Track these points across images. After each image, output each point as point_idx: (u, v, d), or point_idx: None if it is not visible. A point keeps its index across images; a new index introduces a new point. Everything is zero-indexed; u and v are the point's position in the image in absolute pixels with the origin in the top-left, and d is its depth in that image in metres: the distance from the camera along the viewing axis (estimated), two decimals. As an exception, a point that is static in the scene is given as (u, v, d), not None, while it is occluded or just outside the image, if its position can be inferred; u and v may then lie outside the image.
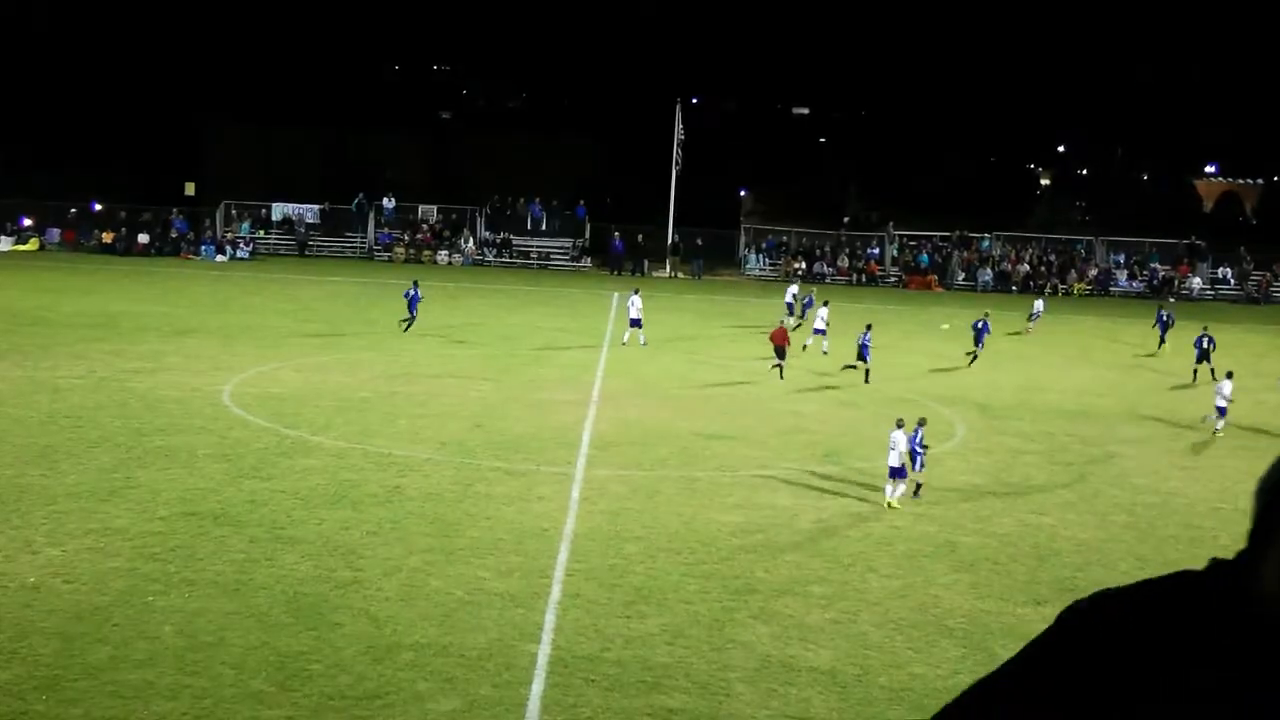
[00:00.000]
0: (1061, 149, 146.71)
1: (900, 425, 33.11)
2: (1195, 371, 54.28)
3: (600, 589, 25.54)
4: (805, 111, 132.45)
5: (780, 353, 50.87)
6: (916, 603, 25.80)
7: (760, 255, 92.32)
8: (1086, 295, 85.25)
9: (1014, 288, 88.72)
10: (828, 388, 49.05)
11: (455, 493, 31.84)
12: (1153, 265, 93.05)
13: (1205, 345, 54.58)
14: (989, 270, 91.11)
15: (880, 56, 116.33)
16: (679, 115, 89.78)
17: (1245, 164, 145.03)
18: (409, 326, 57.40)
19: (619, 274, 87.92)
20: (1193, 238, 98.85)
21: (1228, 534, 31.78)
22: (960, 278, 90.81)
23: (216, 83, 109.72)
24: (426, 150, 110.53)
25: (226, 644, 21.69)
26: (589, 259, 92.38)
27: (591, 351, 54.71)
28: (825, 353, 56.28)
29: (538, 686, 20.92)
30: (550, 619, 23.79)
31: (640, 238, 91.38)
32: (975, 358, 55.55)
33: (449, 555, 26.99)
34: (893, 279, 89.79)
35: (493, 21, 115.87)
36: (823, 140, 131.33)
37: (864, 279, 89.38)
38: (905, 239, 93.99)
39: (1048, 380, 52.96)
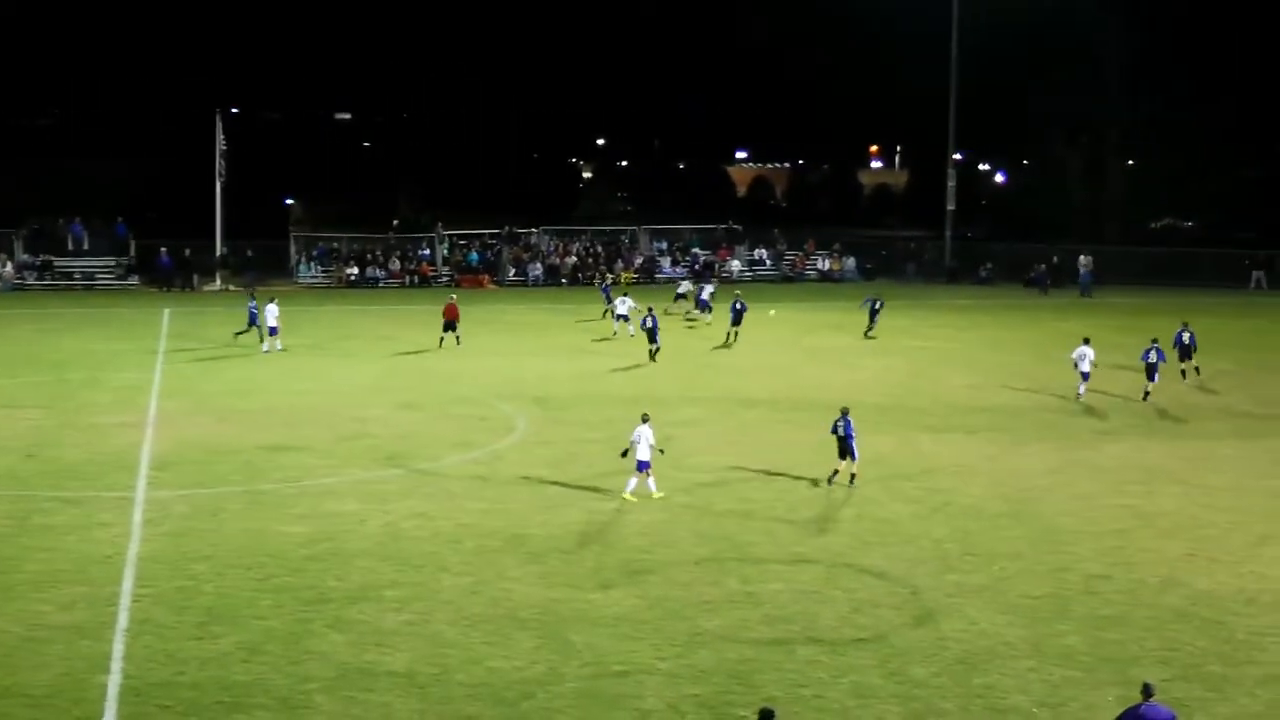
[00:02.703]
0: (601, 142, 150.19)
1: (645, 420, 33.72)
2: (1183, 371, 51.12)
3: (170, 612, 24.90)
4: (348, 117, 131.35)
5: (450, 326, 58.40)
6: (489, 597, 26.12)
7: (312, 263, 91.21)
8: (634, 283, 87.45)
9: (563, 280, 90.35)
10: (389, 389, 48.84)
11: (9, 527, 30.43)
12: (694, 251, 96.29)
13: (1186, 341, 51.39)
14: (539, 264, 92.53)
15: (418, 59, 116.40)
16: (219, 126, 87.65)
17: (772, 150, 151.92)
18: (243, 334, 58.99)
19: (168, 290, 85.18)
20: (730, 222, 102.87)
21: (784, 504, 33.36)
22: (512, 273, 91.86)
23: None
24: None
25: None
26: (136, 277, 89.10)
27: (145, 372, 52.76)
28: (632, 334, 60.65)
29: (110, 719, 20.29)
30: (119, 648, 23.09)
31: (188, 252, 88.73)
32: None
33: (6, 592, 25.84)
34: (445, 279, 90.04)
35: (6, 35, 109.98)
36: (367, 144, 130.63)
37: (417, 281, 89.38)
38: (455, 238, 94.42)
39: (604, 368, 54.08)
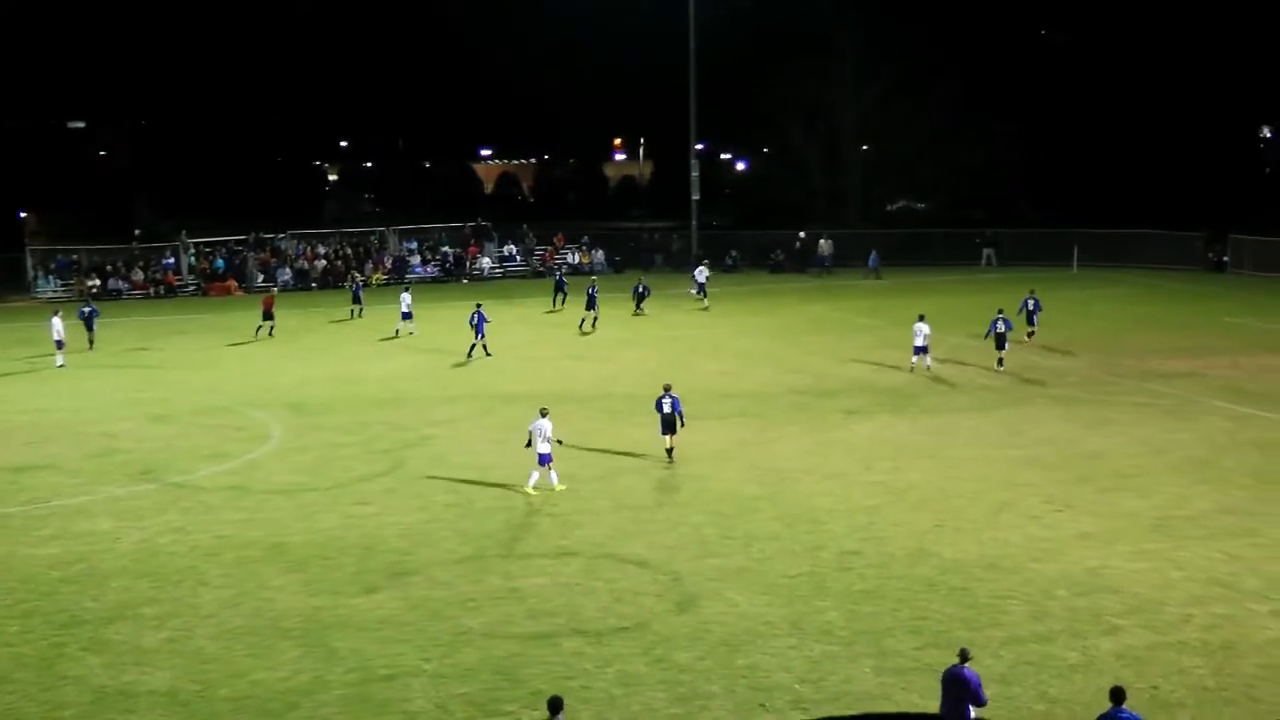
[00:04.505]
0: (345, 144, 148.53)
1: (544, 414, 33.87)
2: (1030, 334, 55.61)
3: (-98, 648, 23.96)
4: (81, 125, 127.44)
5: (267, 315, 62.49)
6: (251, 609, 25.79)
7: (51, 277, 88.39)
8: (384, 285, 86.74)
9: (314, 284, 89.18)
10: (139, 402, 47.56)
11: None
12: (444, 249, 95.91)
13: (1031, 306, 56.06)
14: (287, 268, 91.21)
15: (152, 64, 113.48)
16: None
17: (516, 146, 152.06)
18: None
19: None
20: (478, 219, 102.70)
21: (544, 498, 33.48)
22: (260, 279, 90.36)
23: None
24: None
25: None
26: None
27: None
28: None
29: None
30: None
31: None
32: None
33: None
34: (191, 287, 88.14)
35: None
36: (104, 153, 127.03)
37: (163, 290, 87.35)
38: (201, 246, 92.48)
39: (359, 371, 53.48)
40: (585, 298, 64.64)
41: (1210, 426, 40.86)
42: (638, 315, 67.54)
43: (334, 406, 46.26)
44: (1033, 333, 55.89)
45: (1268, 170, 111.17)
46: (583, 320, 64.09)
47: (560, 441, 34.40)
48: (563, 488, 33.98)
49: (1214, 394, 45.85)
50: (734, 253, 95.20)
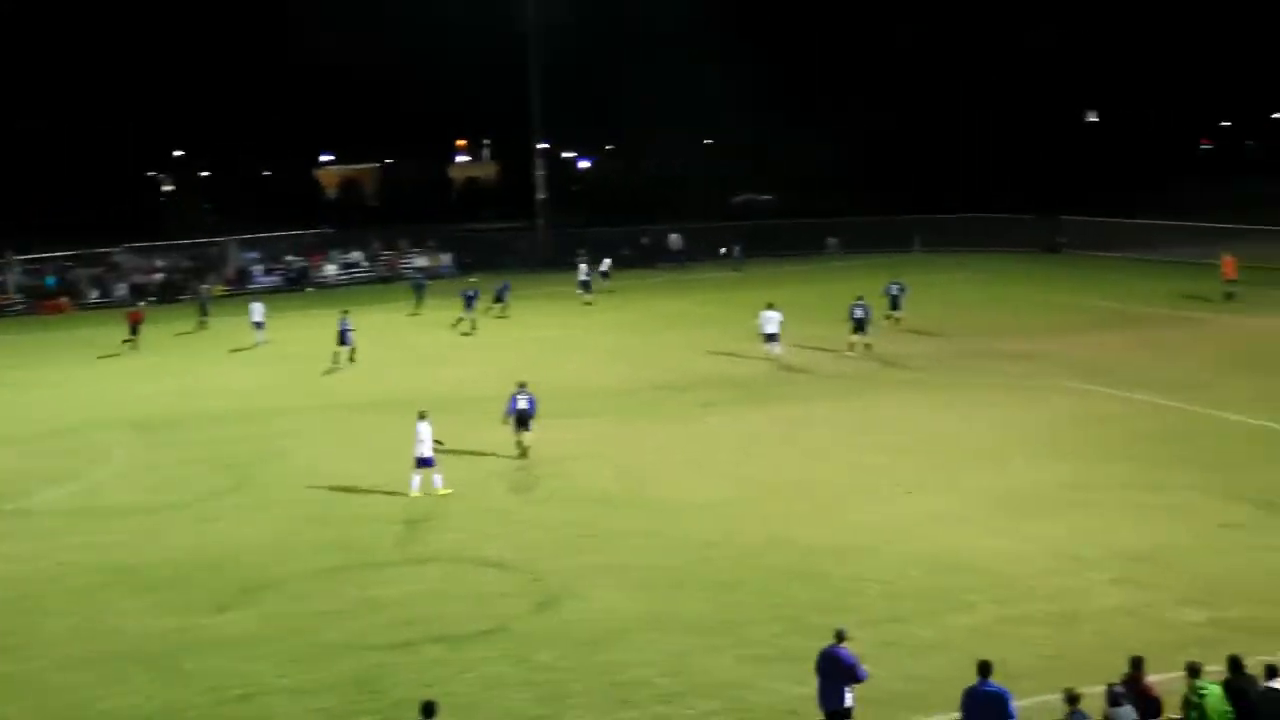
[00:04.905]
0: (179, 153, 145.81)
1: (423, 417, 33.39)
2: (896, 319, 56.37)
3: None
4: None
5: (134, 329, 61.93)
6: (98, 635, 25.08)
7: None
8: (227, 295, 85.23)
9: (153, 298, 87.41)
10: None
11: None
12: (287, 258, 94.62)
13: (895, 292, 56.84)
14: (124, 283, 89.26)
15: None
16: None
17: (358, 150, 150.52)
18: None
19: None
20: (321, 226, 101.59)
21: (399, 506, 33.04)
22: (95, 295, 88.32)
23: None
24: None
25: None
26: None
27: None
28: None
29: None
30: None
31: None
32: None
33: None
34: (20, 306, 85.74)
35: None
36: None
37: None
38: (27, 263, 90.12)
39: (206, 385, 52.21)
40: (462, 300, 64.26)
41: (1055, 404, 41.72)
42: (499, 318, 66.80)
43: (181, 422, 45.07)
44: (899, 318, 56.57)
45: (1092, 153, 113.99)
46: (459, 321, 63.74)
47: (440, 442, 34.10)
48: (448, 491, 33.50)
49: (1058, 372, 46.74)
50: (581, 250, 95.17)
